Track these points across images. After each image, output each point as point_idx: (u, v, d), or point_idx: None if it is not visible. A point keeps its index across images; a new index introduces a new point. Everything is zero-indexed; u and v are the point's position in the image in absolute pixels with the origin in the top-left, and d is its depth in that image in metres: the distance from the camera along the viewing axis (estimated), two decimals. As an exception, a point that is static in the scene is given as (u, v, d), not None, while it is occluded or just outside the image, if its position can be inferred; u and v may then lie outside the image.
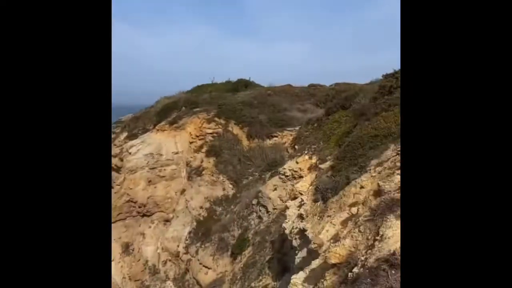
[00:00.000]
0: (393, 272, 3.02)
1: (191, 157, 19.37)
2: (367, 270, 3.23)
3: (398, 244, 3.60)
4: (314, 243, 7.01)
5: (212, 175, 18.06)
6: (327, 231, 6.90)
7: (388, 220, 4.26)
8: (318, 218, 8.45)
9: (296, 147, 14.55)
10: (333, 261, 4.27)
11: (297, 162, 12.87)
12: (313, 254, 6.97)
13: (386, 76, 12.81)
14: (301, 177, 12.29)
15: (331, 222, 7.15)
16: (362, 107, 13.01)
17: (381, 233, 4.09)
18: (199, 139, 19.61)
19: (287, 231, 9.79)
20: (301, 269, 6.39)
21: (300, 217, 9.27)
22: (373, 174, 8.15)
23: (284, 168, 13.00)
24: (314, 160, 12.19)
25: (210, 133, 19.45)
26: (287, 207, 10.71)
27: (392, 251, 3.38)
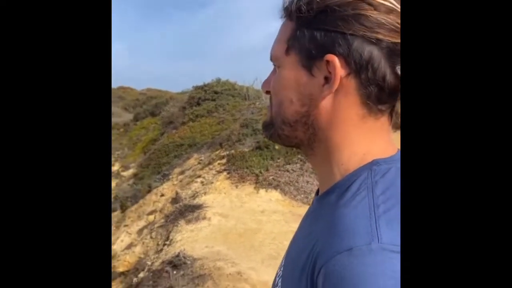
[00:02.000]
0: (174, 272, 3.21)
1: None
2: (151, 274, 3.32)
3: (184, 247, 3.85)
4: (108, 253, 6.64)
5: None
6: (122, 241, 6.69)
7: (178, 225, 4.50)
8: (115, 228, 8.09)
9: (99, 152, 13.44)
10: (121, 269, 4.19)
11: (98, 168, 11.91)
12: (106, 266, 6.57)
13: (196, 88, 13.54)
14: (101, 184, 11.41)
15: (127, 232, 6.98)
16: (171, 116, 13.31)
17: (171, 237, 4.27)
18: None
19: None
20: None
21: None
22: (175, 183, 8.43)
23: (83, 175, 11.78)
24: (116, 167, 11.63)
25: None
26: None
27: (176, 253, 3.59)
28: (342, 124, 0.57)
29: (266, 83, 0.64)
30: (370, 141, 0.58)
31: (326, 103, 0.57)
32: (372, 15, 0.53)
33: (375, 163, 0.56)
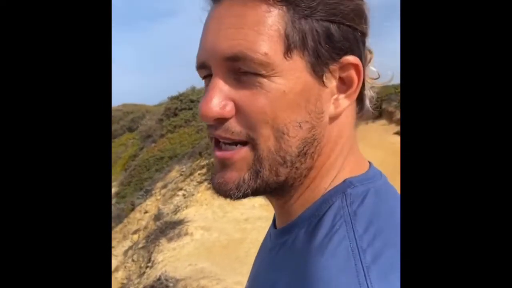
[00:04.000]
0: (156, 298, 3.05)
1: None
2: (132, 302, 3.15)
3: (166, 268, 3.68)
4: (94, 280, 6.43)
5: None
6: (108, 264, 6.47)
7: (160, 244, 4.33)
8: (101, 250, 7.85)
9: (78, 174, 13.16)
10: (104, 299, 3.99)
11: (78, 191, 11.65)
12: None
13: (172, 98, 13.36)
14: (83, 207, 11.16)
15: (113, 254, 6.74)
16: (148, 129, 13.10)
17: (152, 258, 4.10)
18: None
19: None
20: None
21: (81, 253, 8.39)
22: (158, 197, 8.24)
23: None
24: (98, 187, 11.34)
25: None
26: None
27: (158, 276, 3.42)
28: (339, 142, 0.45)
29: (218, 105, 0.41)
30: (346, 156, 0.46)
31: (335, 120, 0.44)
32: (366, 11, 0.44)
33: (348, 184, 0.43)
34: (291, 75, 0.40)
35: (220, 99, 0.41)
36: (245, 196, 0.44)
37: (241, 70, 0.41)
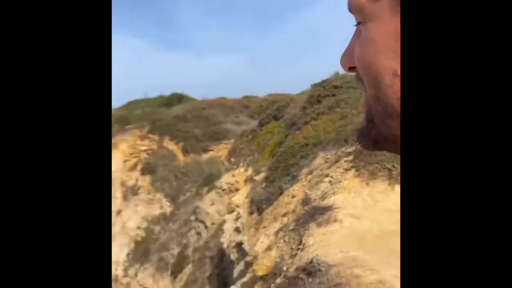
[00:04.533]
0: (309, 280, 3.14)
1: (126, 176, 18.58)
2: (287, 280, 3.32)
3: (316, 252, 3.75)
4: (250, 255, 7.07)
5: (149, 194, 17.46)
6: (262, 242, 6.99)
7: (309, 228, 4.44)
8: (254, 230, 8.53)
9: (232, 160, 14.61)
10: (260, 273, 4.33)
11: (233, 175, 12.94)
12: (249, 267, 7.01)
13: (314, 86, 13.43)
14: (237, 190, 12.35)
15: (265, 234, 7.26)
16: (292, 117, 13.50)
17: (303, 241, 4.24)
18: (133, 157, 18.89)
19: (224, 245, 9.76)
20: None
21: (237, 230, 9.33)
22: (304, 183, 8.47)
23: (221, 182, 12.98)
24: (249, 172, 12.35)
25: (144, 150, 18.84)
26: (224, 221, 10.69)
27: (310, 259, 3.51)
28: None
29: (347, 55, 0.43)
30: None
31: None
32: None
33: None
34: (379, 17, 0.39)
35: (349, 50, 0.43)
36: (366, 146, 0.44)
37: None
